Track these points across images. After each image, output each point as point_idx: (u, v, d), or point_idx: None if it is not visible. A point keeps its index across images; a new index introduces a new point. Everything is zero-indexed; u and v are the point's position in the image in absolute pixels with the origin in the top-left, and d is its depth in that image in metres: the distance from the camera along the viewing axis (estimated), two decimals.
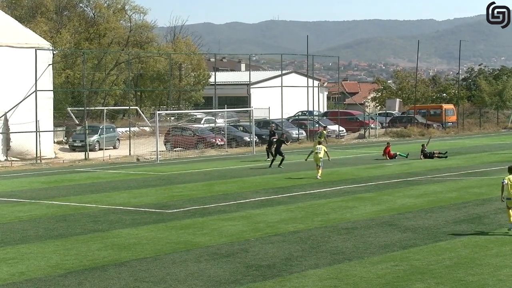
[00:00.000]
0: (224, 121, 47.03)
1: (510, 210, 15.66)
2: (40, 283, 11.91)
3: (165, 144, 40.89)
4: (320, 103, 60.25)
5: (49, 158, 36.32)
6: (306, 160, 28.81)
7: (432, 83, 75.68)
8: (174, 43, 64.93)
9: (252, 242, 14.91)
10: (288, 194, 22.10)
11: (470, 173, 27.63)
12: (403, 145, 42.80)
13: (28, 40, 37.20)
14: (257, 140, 41.34)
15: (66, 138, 44.59)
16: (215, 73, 51.66)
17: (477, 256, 13.36)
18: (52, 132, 39.23)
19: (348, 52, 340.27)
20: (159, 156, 35.70)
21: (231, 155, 38.67)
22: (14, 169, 32.47)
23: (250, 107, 47.89)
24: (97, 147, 40.74)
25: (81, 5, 61.77)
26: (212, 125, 46.82)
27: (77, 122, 45.63)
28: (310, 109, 51.52)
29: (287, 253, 13.86)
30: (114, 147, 42.26)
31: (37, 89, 35.57)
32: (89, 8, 61.73)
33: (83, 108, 42.50)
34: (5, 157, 35.45)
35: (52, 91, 38.85)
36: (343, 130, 51.15)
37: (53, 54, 40.38)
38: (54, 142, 40.93)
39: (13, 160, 35.04)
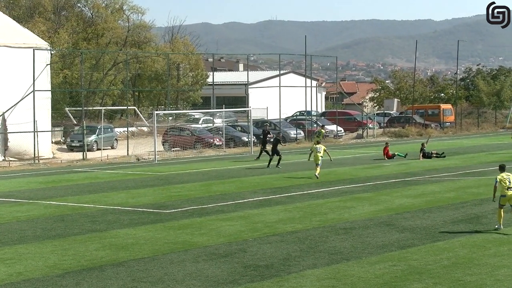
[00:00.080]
0: (222, 121, 47.02)
1: (502, 210, 15.76)
2: (38, 283, 11.90)
3: (163, 144, 40.86)
4: (318, 103, 60.27)
5: (47, 158, 36.29)
6: (308, 160, 28.85)
7: (430, 83, 75.75)
8: (172, 43, 64.90)
9: (250, 242, 14.90)
10: (286, 194, 22.10)
11: (468, 173, 27.65)
12: (401, 145, 42.81)
13: (26, 40, 37.16)
14: (255, 140, 41.32)
15: (64, 138, 44.56)
16: (213, 73, 51.60)
17: (475, 256, 13.37)
18: (50, 132, 39.20)
19: (346, 52, 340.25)
20: (157, 156, 35.68)
21: (229, 155, 38.66)
22: (12, 169, 32.44)
23: (248, 107, 47.85)
24: (95, 147, 40.70)
25: (79, 5, 61.76)
26: (210, 125, 46.79)
27: (75, 122, 45.57)
28: (308, 109, 51.52)
29: (285, 253, 13.86)
30: (112, 147, 42.23)
31: (35, 89, 35.53)
32: (87, 8, 61.73)
33: (81, 108, 42.47)
34: (3, 157, 35.41)
35: (50, 91, 38.82)
36: (341, 130, 51.15)
37: (51, 54, 40.35)
38: (52, 142, 40.88)
39: (11, 160, 35.01)
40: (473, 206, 19.37)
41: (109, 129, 43.66)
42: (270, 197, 21.69)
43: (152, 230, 16.50)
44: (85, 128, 39.09)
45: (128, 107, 49.61)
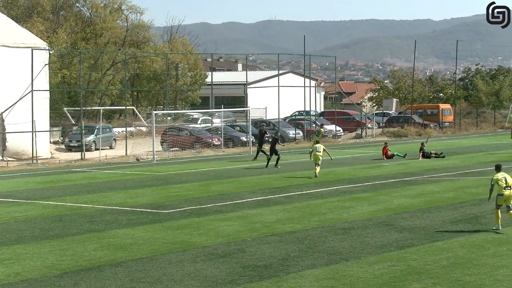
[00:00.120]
0: (221, 121, 46.96)
1: (499, 211, 15.74)
2: (35, 283, 11.87)
3: (161, 144, 40.81)
4: (317, 103, 60.25)
5: (45, 158, 36.23)
6: (310, 158, 28.88)
7: (429, 83, 75.73)
8: (171, 43, 64.82)
9: (249, 242, 14.87)
10: (285, 194, 22.06)
11: (467, 173, 27.63)
12: (400, 145, 42.79)
13: (24, 40, 37.11)
14: (254, 140, 41.30)
15: (62, 138, 44.48)
16: (211, 73, 51.49)
17: (474, 256, 13.34)
18: (48, 132, 39.15)
19: (345, 52, 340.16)
20: (155, 156, 35.64)
21: (228, 155, 38.62)
22: (10, 169, 32.39)
23: (247, 107, 47.79)
24: (93, 147, 40.66)
25: (77, 4, 61.65)
26: (209, 125, 46.75)
27: (73, 122, 45.53)
28: (307, 109, 51.48)
29: (284, 253, 13.82)
30: (111, 147, 42.17)
31: (33, 89, 35.47)
32: (85, 8, 61.65)
33: (79, 108, 42.42)
34: (1, 157, 35.34)
35: (49, 91, 38.75)
36: (340, 130, 51.12)
37: (50, 54, 40.28)
38: (50, 142, 40.83)
39: (9, 160, 34.95)
40: (472, 206, 19.33)
41: (107, 129, 43.60)
42: (269, 197, 21.65)
43: (150, 230, 16.45)
44: (83, 128, 39.05)
45: (127, 107, 49.57)
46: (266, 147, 32.31)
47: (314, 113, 54.28)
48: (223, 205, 20.06)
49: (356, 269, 12.49)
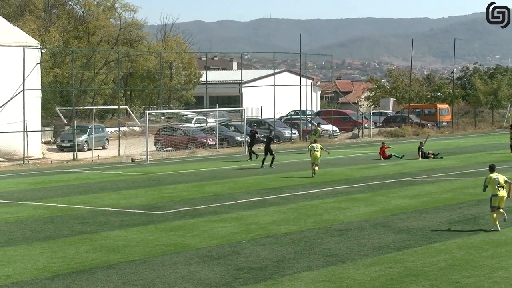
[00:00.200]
0: (215, 120, 46.76)
1: (495, 213, 15.61)
2: (26, 286, 11.75)
3: (155, 144, 40.58)
4: (313, 102, 60.05)
5: (36, 159, 35.98)
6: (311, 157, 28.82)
7: (427, 82, 75.66)
8: (165, 42, 64.58)
9: (244, 244, 14.70)
10: (280, 195, 21.90)
11: (465, 173, 27.51)
12: (397, 144, 42.64)
13: (16, 39, 36.85)
14: (249, 140, 41.10)
15: (54, 138, 44.25)
16: (206, 72, 51.28)
17: (472, 258, 13.22)
18: (40, 132, 38.90)
19: (341, 51, 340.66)
20: (149, 157, 35.44)
21: (223, 155, 38.45)
22: (0, 170, 32.18)
23: (242, 107, 47.61)
24: (85, 147, 40.41)
25: (70, 3, 61.46)
26: (203, 125, 46.52)
27: (66, 122, 45.27)
28: (303, 108, 51.31)
29: (279, 255, 13.66)
30: (103, 147, 41.91)
31: (25, 88, 35.20)
32: (78, 6, 61.41)
33: (71, 108, 42.09)
34: None
35: (40, 90, 38.49)
36: (336, 130, 50.98)
37: (42, 52, 40.08)
38: (42, 142, 40.60)
39: (0, 161, 34.67)
40: (470, 207, 19.20)
41: (100, 129, 43.34)
42: (264, 198, 21.48)
43: (143, 232, 16.28)
44: (75, 128, 38.80)
45: (120, 107, 49.21)
46: (261, 147, 32.13)
47: (310, 113, 54.14)
48: (218, 206, 19.88)
49: (353, 271, 12.36)
